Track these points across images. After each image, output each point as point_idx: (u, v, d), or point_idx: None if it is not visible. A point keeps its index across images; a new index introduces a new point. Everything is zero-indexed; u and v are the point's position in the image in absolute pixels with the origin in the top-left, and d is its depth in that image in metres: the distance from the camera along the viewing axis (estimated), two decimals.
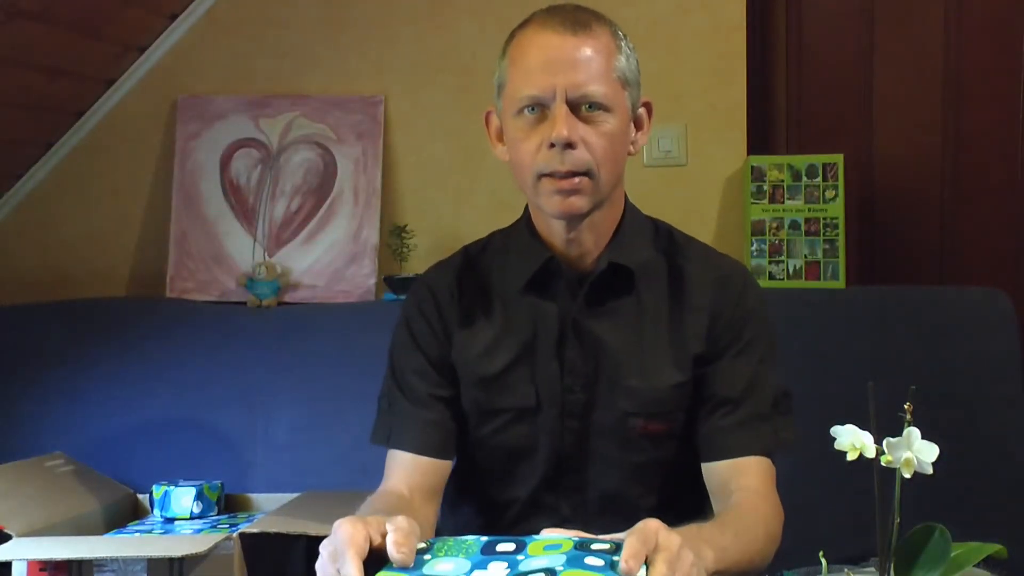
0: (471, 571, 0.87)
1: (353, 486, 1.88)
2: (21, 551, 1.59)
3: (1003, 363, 2.01)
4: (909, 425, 0.92)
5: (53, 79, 2.29)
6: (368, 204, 2.39)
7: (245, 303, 2.34)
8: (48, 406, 2.16)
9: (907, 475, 0.92)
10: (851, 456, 0.92)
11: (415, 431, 1.32)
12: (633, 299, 1.32)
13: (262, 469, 2.11)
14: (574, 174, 1.23)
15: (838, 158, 2.24)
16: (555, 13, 1.26)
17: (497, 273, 1.37)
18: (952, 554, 0.93)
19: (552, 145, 1.22)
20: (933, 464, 0.92)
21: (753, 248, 2.25)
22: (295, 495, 1.97)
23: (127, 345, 2.21)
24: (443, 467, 1.33)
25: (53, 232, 2.53)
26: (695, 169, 2.36)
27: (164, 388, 2.17)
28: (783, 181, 2.25)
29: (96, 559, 1.60)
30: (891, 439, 0.92)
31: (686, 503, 1.27)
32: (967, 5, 2.37)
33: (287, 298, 2.36)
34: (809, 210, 2.24)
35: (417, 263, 2.33)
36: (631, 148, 1.31)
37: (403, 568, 0.88)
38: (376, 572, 0.88)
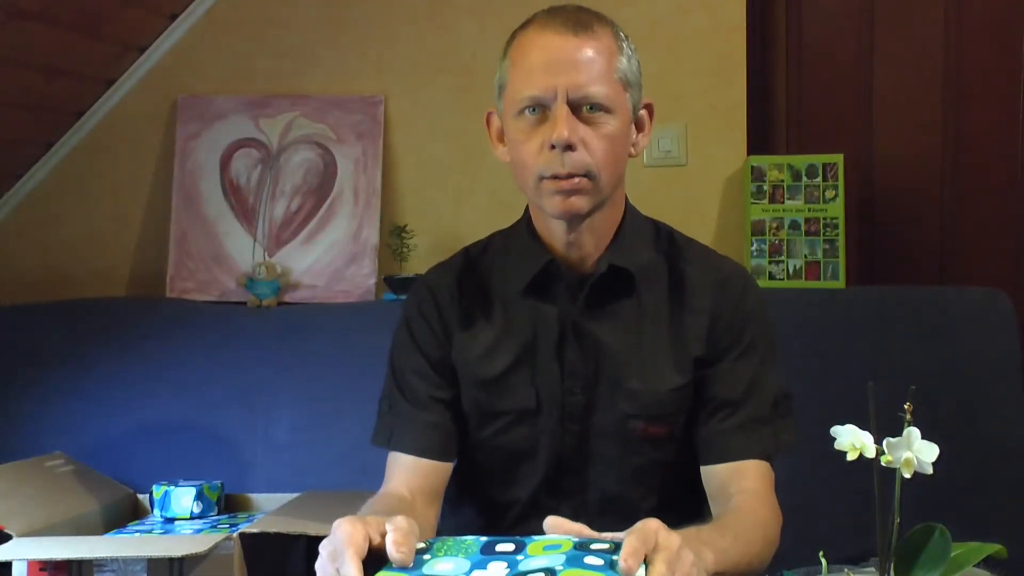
0: (471, 571, 0.87)
1: (353, 486, 1.88)
2: (21, 551, 1.59)
3: (1003, 363, 2.01)
4: (909, 425, 0.92)
5: (53, 79, 2.29)
6: (368, 204, 2.39)
7: (245, 303, 2.34)
8: (48, 406, 2.16)
9: (907, 475, 0.92)
10: (851, 456, 0.92)
11: (416, 433, 1.32)
12: (633, 301, 1.32)
13: (262, 469, 2.11)
14: (574, 175, 1.23)
15: (838, 158, 2.24)
16: (556, 14, 1.26)
17: (497, 275, 1.37)
18: (952, 554, 0.93)
19: (553, 146, 1.22)
20: (933, 464, 0.92)
21: (753, 248, 2.25)
22: (295, 495, 1.97)
23: (127, 345, 2.21)
24: (444, 469, 1.33)
25: (53, 232, 2.53)
26: (695, 169, 2.37)
27: (164, 388, 2.17)
28: (783, 181, 2.25)
29: (96, 559, 1.60)
30: (891, 439, 0.92)
31: (686, 505, 1.27)
32: (967, 5, 2.37)
33: (287, 298, 2.36)
34: (809, 210, 2.24)
35: (417, 263, 2.33)
36: (632, 150, 1.31)
37: (403, 568, 0.89)
38: (376, 572, 0.88)
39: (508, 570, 0.86)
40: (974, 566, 0.95)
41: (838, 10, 2.44)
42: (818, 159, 2.25)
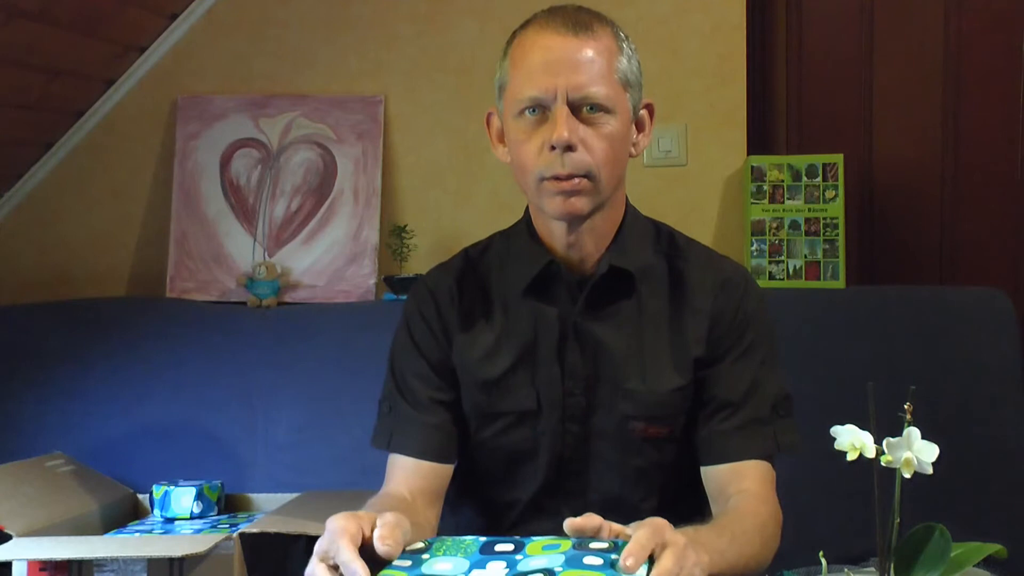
0: (470, 571, 0.87)
1: (353, 486, 1.88)
2: (21, 551, 1.59)
3: (1003, 363, 2.00)
4: (909, 425, 0.92)
5: (53, 79, 2.29)
6: (368, 204, 2.39)
7: (245, 303, 2.34)
8: (48, 406, 2.16)
9: (907, 475, 0.92)
10: (851, 456, 0.92)
11: (416, 435, 1.32)
12: (634, 302, 1.32)
13: (262, 469, 2.11)
14: (574, 176, 1.23)
15: (838, 158, 2.24)
16: (556, 14, 1.26)
17: (497, 276, 1.37)
18: (952, 554, 0.94)
19: (553, 147, 1.21)
20: (933, 464, 0.92)
21: (753, 248, 2.25)
22: (295, 495, 1.97)
23: (127, 345, 2.21)
24: (445, 471, 1.33)
25: (53, 232, 2.53)
26: (695, 169, 2.37)
27: (164, 388, 2.16)
28: (783, 181, 2.25)
29: (96, 559, 1.60)
30: (891, 439, 0.92)
31: (687, 506, 1.27)
32: (967, 5, 2.37)
33: (287, 298, 2.36)
34: (809, 210, 2.24)
35: (417, 263, 2.33)
36: (632, 150, 1.31)
37: (402, 568, 0.89)
38: (376, 573, 0.88)
39: (507, 570, 0.86)
40: (974, 566, 0.95)
41: (838, 10, 2.44)
42: (818, 159, 2.25)
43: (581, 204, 1.25)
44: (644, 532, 0.87)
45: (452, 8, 2.41)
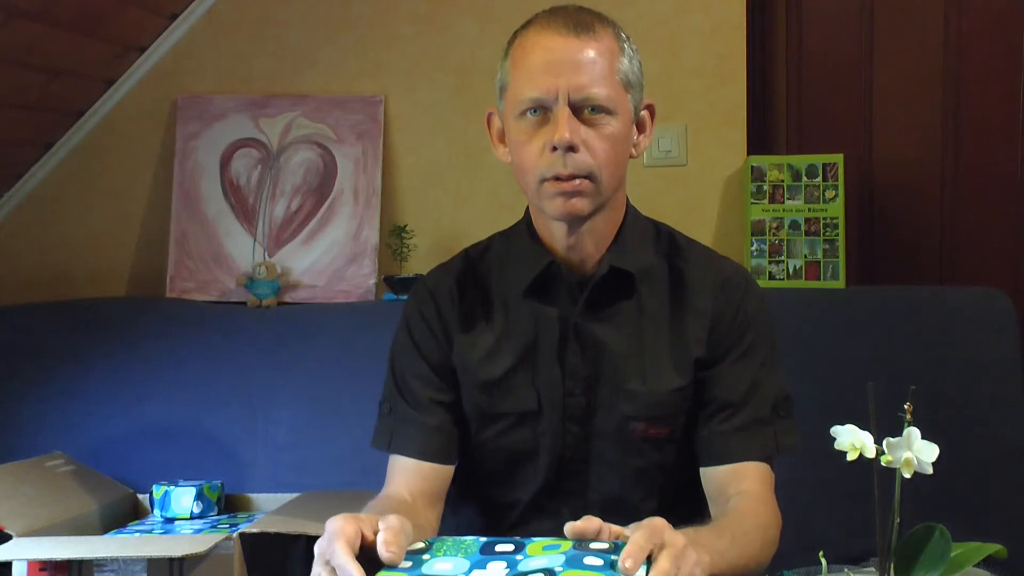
0: (470, 571, 0.87)
1: (353, 486, 1.88)
2: (21, 551, 1.59)
3: (1003, 363, 2.00)
4: (909, 425, 0.92)
5: (53, 79, 2.29)
6: (368, 204, 2.39)
7: (245, 303, 2.34)
8: (48, 406, 2.16)
9: (907, 475, 0.92)
10: (851, 456, 0.92)
11: (417, 436, 1.32)
12: (634, 303, 1.32)
13: (262, 469, 2.11)
14: (575, 176, 1.23)
15: (838, 158, 2.24)
16: (557, 15, 1.25)
17: (498, 276, 1.37)
18: (952, 554, 0.94)
19: (554, 148, 1.21)
20: (933, 464, 0.92)
21: (753, 248, 2.25)
22: (295, 495, 1.97)
23: (127, 345, 2.21)
24: (445, 472, 1.33)
25: (53, 232, 2.53)
26: (695, 169, 2.37)
27: (164, 388, 2.16)
28: (783, 181, 2.25)
29: (96, 559, 1.60)
30: (891, 439, 0.92)
31: (687, 507, 1.27)
32: (967, 5, 2.37)
33: (287, 298, 2.36)
34: (809, 210, 2.24)
35: (417, 263, 2.33)
36: (633, 151, 1.31)
37: (402, 568, 0.89)
38: (375, 573, 0.88)
39: (507, 570, 0.86)
40: (974, 566, 0.95)
41: (838, 10, 2.44)
42: (818, 159, 2.25)
43: (582, 205, 1.24)
44: (642, 533, 0.87)
45: (452, 8, 2.41)
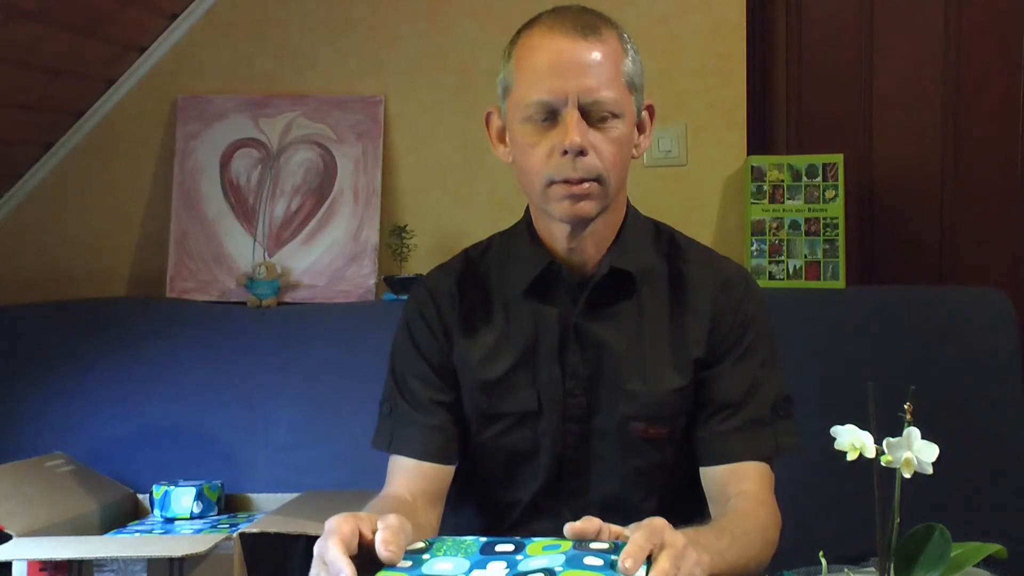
0: (470, 571, 0.87)
1: (353, 486, 1.88)
2: (21, 551, 1.59)
3: (1003, 363, 2.01)
4: (909, 425, 0.92)
5: (53, 79, 2.29)
6: (368, 204, 2.39)
7: (245, 303, 2.34)
8: (48, 406, 2.16)
9: (907, 475, 0.92)
10: (851, 456, 0.92)
11: (417, 436, 1.32)
12: (634, 303, 1.32)
13: (262, 469, 2.11)
14: (584, 180, 1.22)
15: (838, 158, 2.24)
16: (563, 16, 1.25)
17: (498, 277, 1.37)
18: (952, 554, 0.94)
19: (564, 152, 1.21)
20: (933, 464, 0.92)
21: (753, 248, 2.25)
22: (295, 495, 1.97)
23: (127, 345, 2.21)
24: (446, 472, 1.33)
25: (53, 232, 2.53)
26: (695, 169, 2.37)
27: (164, 388, 2.17)
28: (783, 181, 2.25)
29: (96, 559, 1.60)
30: (891, 439, 0.92)
31: (687, 507, 1.27)
32: (967, 5, 2.37)
33: (287, 298, 2.36)
34: (809, 210, 2.24)
35: (417, 263, 2.33)
36: (634, 152, 1.31)
37: (402, 568, 0.89)
38: (375, 573, 0.88)
39: (508, 570, 0.86)
40: (974, 566, 0.95)
41: (838, 10, 2.44)
42: (818, 159, 2.25)
43: (589, 208, 1.25)
44: (642, 533, 0.87)
45: (452, 8, 2.41)
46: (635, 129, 1.30)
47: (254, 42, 2.47)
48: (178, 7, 2.44)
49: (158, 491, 1.96)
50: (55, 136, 2.49)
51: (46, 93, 2.31)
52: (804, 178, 2.25)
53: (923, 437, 0.92)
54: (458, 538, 0.94)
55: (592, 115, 1.22)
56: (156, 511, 1.96)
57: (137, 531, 1.87)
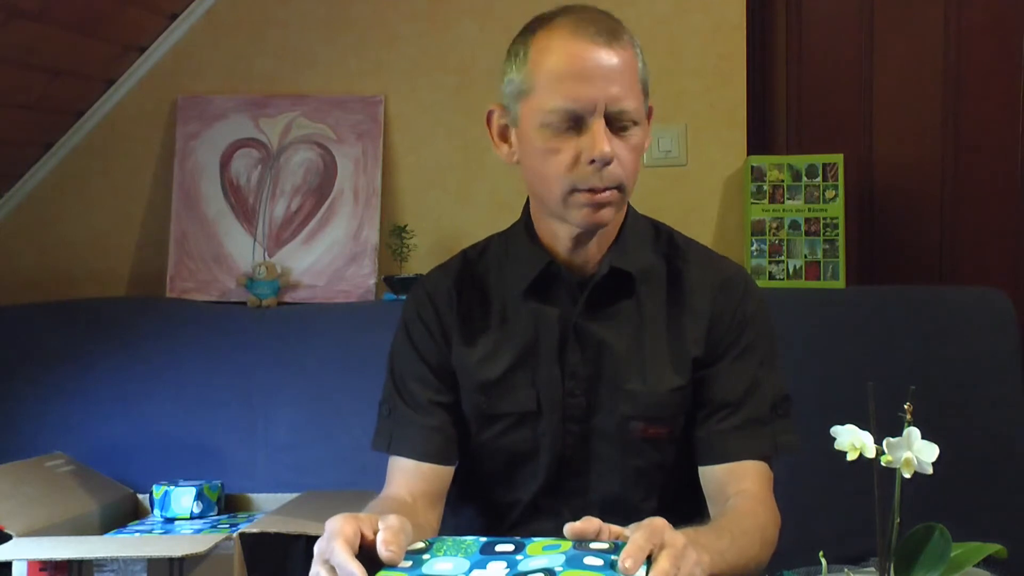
0: (470, 571, 0.87)
1: (353, 486, 1.88)
2: (21, 551, 1.59)
3: (1003, 363, 2.01)
4: (909, 425, 0.92)
5: (53, 79, 2.29)
6: (368, 204, 2.39)
7: (245, 303, 2.34)
8: (48, 406, 2.16)
9: (907, 475, 0.92)
10: (851, 456, 0.92)
11: (416, 437, 1.32)
12: (633, 303, 1.32)
13: (262, 469, 2.11)
14: (608, 188, 1.22)
15: (838, 158, 2.24)
16: (581, 18, 1.22)
17: (496, 277, 1.37)
18: (952, 554, 0.93)
19: (592, 161, 1.19)
20: (933, 464, 0.92)
21: (753, 248, 2.25)
22: (295, 495, 1.97)
23: (127, 345, 2.21)
24: (445, 473, 1.33)
25: (53, 232, 2.53)
26: (695, 169, 2.37)
27: (164, 388, 2.17)
28: (783, 181, 2.25)
29: (96, 559, 1.60)
30: (891, 439, 0.92)
31: (686, 507, 1.27)
32: (967, 5, 2.37)
33: (287, 298, 2.36)
34: (809, 210, 2.24)
35: (417, 263, 2.33)
36: None
37: (402, 568, 0.89)
38: (375, 573, 0.88)
39: (508, 570, 0.86)
40: (974, 566, 0.95)
41: (838, 10, 2.44)
42: (818, 159, 2.25)
43: (609, 215, 1.24)
44: (642, 533, 0.87)
45: (452, 8, 2.41)
46: None
47: (254, 42, 2.47)
48: (178, 7, 2.44)
49: (158, 491, 1.96)
50: (55, 136, 2.49)
51: (46, 93, 2.31)
52: (804, 178, 2.25)
53: (923, 437, 0.92)
54: (458, 538, 0.94)
55: (615, 123, 1.21)
56: (156, 511, 1.96)
57: (137, 531, 1.87)
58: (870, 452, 0.91)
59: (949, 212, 2.41)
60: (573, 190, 1.22)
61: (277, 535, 1.66)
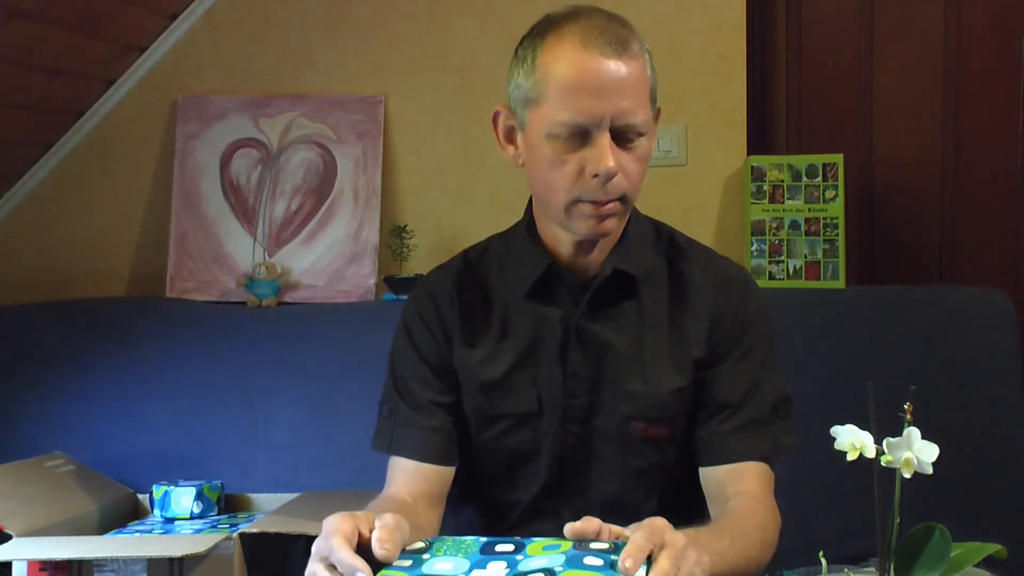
0: (470, 571, 0.87)
1: (353, 486, 1.88)
2: (21, 551, 1.59)
3: (1003, 363, 2.01)
4: (909, 425, 0.92)
5: (53, 79, 2.29)
6: (368, 204, 2.39)
7: (245, 303, 2.34)
8: (48, 406, 2.16)
9: (907, 475, 0.92)
10: (851, 456, 0.92)
11: (417, 438, 1.32)
12: (635, 303, 1.32)
13: (262, 469, 2.11)
14: (611, 200, 1.22)
15: (838, 158, 2.24)
16: (592, 26, 1.21)
17: (497, 277, 1.37)
18: (952, 554, 0.93)
19: (596, 175, 1.19)
20: (933, 464, 0.92)
21: (753, 248, 2.25)
22: (295, 495, 1.97)
23: (127, 345, 2.21)
24: (446, 473, 1.33)
25: (53, 232, 2.53)
26: (695, 169, 2.37)
27: (164, 388, 2.17)
28: (783, 181, 2.25)
29: (96, 559, 1.60)
30: (891, 439, 0.92)
31: (687, 507, 1.27)
32: (967, 5, 2.37)
33: (287, 298, 2.36)
34: (809, 210, 2.24)
35: (417, 263, 2.33)
36: None
37: (402, 568, 0.89)
38: (374, 573, 0.88)
39: (508, 570, 0.86)
40: (974, 566, 0.95)
41: (838, 10, 2.44)
42: (818, 159, 2.25)
43: (612, 226, 1.24)
44: (642, 533, 0.87)
45: (452, 8, 2.41)
46: None
47: (254, 42, 2.47)
48: (178, 7, 2.44)
49: (158, 491, 1.96)
50: (55, 136, 2.49)
51: (46, 93, 2.31)
52: (804, 178, 2.25)
53: (923, 437, 0.92)
54: (458, 538, 0.94)
55: (622, 136, 1.20)
56: (156, 511, 1.96)
57: (137, 531, 1.87)
58: (870, 452, 0.91)
59: (949, 212, 2.41)
60: (577, 201, 1.22)
61: (277, 535, 1.66)
